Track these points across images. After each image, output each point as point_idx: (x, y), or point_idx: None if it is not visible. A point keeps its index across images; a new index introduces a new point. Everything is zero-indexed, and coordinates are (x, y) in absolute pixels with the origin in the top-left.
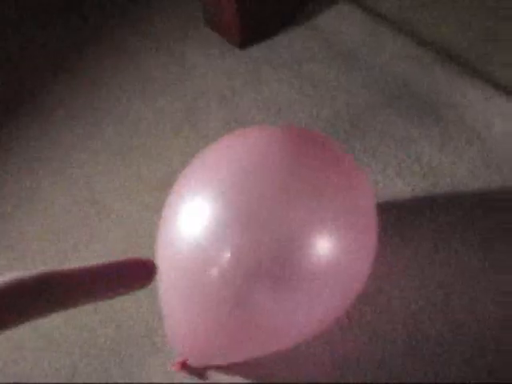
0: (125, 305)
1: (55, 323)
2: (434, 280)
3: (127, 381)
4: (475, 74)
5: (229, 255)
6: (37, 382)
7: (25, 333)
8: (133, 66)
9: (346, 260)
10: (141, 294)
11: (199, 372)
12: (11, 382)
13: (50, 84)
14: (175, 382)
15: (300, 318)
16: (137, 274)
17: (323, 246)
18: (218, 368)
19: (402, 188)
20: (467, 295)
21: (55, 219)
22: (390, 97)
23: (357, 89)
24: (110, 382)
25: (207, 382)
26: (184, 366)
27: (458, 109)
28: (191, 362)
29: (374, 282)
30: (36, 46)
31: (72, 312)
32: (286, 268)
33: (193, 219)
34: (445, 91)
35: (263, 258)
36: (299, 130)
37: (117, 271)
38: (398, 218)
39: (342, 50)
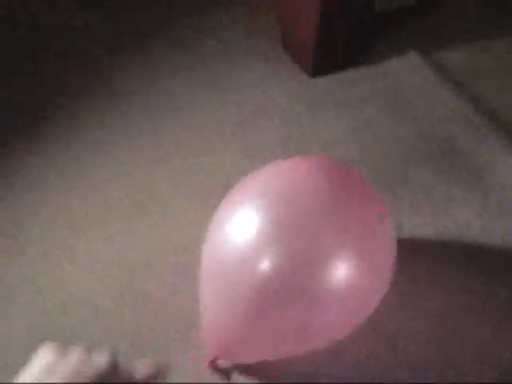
0: (168, 300)
1: (106, 311)
2: (426, 313)
3: None
4: None
5: (265, 264)
6: None
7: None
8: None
9: (362, 283)
10: (185, 292)
11: (225, 371)
12: None
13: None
14: (202, 376)
15: (317, 326)
16: None
17: (343, 267)
18: (242, 370)
19: (433, 241)
20: (458, 330)
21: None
22: (437, 152)
23: (407, 139)
24: None
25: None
26: (213, 363)
27: (501, 177)
28: (220, 359)
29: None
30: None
31: (121, 304)
32: (312, 281)
33: (237, 229)
34: (491, 158)
35: (294, 270)
36: (339, 163)
37: None
38: (416, 266)
39: (402, 98)
